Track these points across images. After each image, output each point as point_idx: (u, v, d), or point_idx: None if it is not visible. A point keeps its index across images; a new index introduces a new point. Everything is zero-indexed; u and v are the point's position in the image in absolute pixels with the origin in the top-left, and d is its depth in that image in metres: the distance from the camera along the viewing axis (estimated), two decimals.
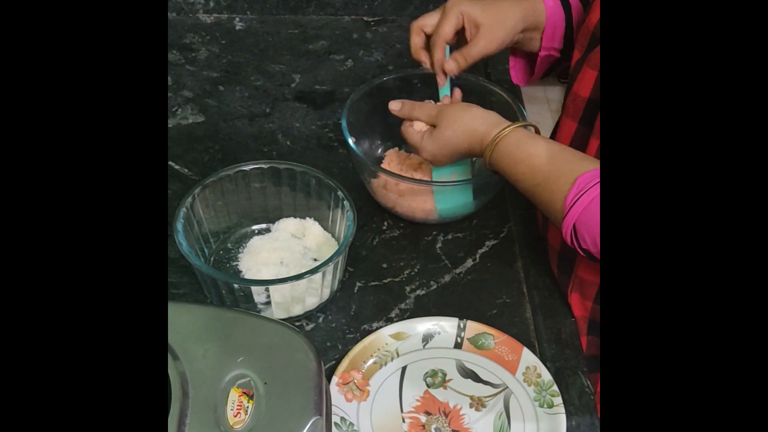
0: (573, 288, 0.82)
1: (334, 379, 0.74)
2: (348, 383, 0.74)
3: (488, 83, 0.94)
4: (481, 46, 0.83)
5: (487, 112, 0.79)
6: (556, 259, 0.85)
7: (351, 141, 0.87)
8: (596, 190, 0.65)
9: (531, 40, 0.87)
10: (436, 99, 0.88)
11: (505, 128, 0.75)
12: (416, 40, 0.87)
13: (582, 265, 0.80)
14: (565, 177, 0.68)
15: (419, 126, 0.84)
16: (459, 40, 0.87)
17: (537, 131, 0.78)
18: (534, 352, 0.78)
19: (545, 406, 0.73)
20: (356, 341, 0.78)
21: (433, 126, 0.82)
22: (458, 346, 0.79)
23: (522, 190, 0.75)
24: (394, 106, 0.85)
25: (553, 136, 0.86)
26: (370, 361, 0.77)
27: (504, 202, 0.97)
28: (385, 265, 0.88)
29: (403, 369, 0.77)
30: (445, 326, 0.80)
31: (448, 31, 0.83)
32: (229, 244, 0.87)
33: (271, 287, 0.75)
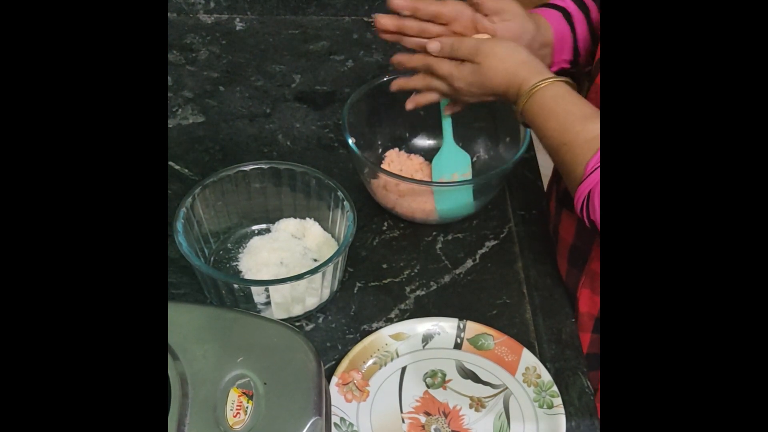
0: (584, 283, 0.82)
1: (334, 380, 0.74)
2: (348, 383, 0.74)
3: None
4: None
5: (532, 57, 0.76)
6: (566, 253, 0.84)
7: (351, 141, 0.87)
8: None
9: (543, 57, 0.84)
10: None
11: (546, 78, 0.72)
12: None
13: (597, 259, 0.79)
14: (591, 142, 0.66)
15: None
16: None
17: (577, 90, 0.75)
18: (534, 352, 0.78)
19: (545, 406, 0.73)
20: (356, 341, 0.78)
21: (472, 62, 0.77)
22: (458, 346, 0.79)
23: (547, 148, 0.73)
24: (434, 46, 0.78)
25: None
26: (370, 362, 0.77)
27: (504, 203, 0.97)
28: (385, 266, 0.88)
29: (403, 369, 0.77)
30: (444, 327, 0.80)
31: None
32: (229, 245, 0.87)
33: (271, 287, 0.75)
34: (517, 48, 0.76)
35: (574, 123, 0.69)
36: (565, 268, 0.86)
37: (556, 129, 0.70)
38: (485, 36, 0.79)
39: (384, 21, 0.81)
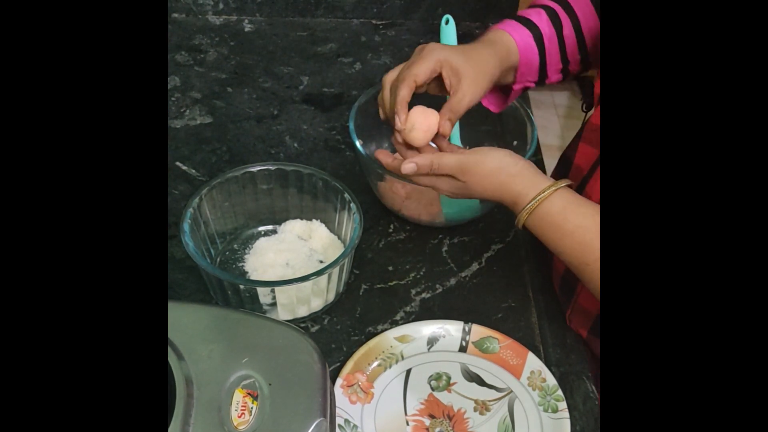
0: (571, 315, 0.82)
1: (339, 381, 0.74)
2: (352, 385, 0.74)
3: None
4: (467, 99, 0.75)
5: (518, 163, 0.70)
6: (558, 281, 0.84)
7: (358, 143, 0.87)
8: None
9: (505, 77, 0.82)
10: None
11: (544, 190, 0.67)
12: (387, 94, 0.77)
13: (583, 293, 0.78)
14: None
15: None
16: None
17: (570, 186, 0.70)
18: (539, 356, 0.78)
19: (550, 410, 0.73)
20: (361, 343, 0.78)
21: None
22: (463, 349, 0.79)
23: (565, 262, 0.69)
24: (409, 167, 0.73)
25: (570, 156, 0.84)
26: (375, 364, 0.77)
27: None
28: (390, 268, 0.88)
29: (408, 372, 0.77)
30: (450, 329, 0.80)
31: (422, 72, 0.74)
32: (235, 245, 0.87)
33: (277, 288, 0.76)
34: (503, 158, 0.71)
35: (593, 241, 0.64)
36: (557, 292, 0.85)
37: (574, 248, 0.66)
38: (436, 119, 0.75)
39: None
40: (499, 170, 0.70)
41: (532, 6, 0.85)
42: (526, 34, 0.81)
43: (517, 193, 0.69)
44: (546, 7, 0.83)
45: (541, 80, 0.86)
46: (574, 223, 0.66)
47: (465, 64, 0.75)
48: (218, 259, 0.86)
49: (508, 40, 0.80)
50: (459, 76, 0.75)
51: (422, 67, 0.74)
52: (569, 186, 0.69)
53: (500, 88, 0.88)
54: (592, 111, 0.79)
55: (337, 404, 0.71)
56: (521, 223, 0.70)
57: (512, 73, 0.83)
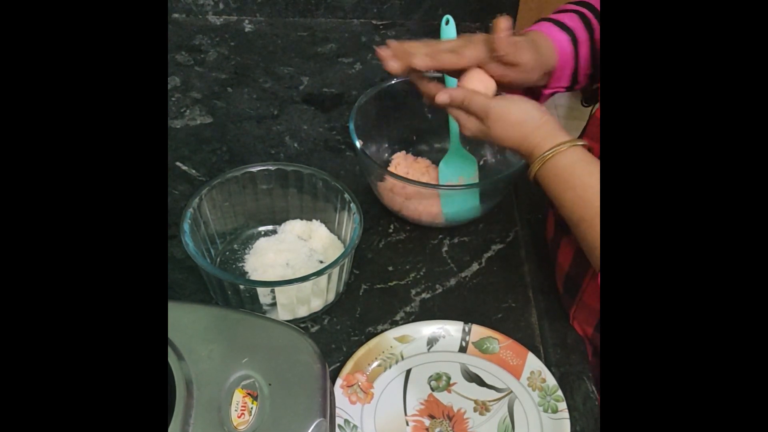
0: (576, 312, 0.82)
1: (339, 381, 0.74)
2: (352, 385, 0.74)
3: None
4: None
5: (542, 117, 0.71)
6: (563, 279, 0.84)
7: (358, 144, 0.87)
8: None
9: (539, 81, 0.81)
10: None
11: (559, 144, 0.69)
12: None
13: (589, 290, 0.78)
14: None
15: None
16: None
17: (589, 149, 0.70)
18: (539, 356, 0.78)
19: (549, 411, 0.73)
20: (361, 344, 0.78)
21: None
22: (463, 349, 0.79)
23: (564, 217, 0.70)
24: (443, 98, 0.75)
25: None
26: (375, 364, 0.77)
27: (511, 207, 0.97)
28: (390, 268, 0.88)
29: (408, 372, 0.77)
30: (450, 330, 0.80)
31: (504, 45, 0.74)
32: (235, 245, 0.87)
33: (277, 289, 0.76)
34: (530, 111, 0.72)
35: (593, 198, 0.65)
36: (561, 291, 0.85)
37: (575, 202, 0.67)
38: (492, 85, 0.76)
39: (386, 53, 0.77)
40: (524, 122, 0.72)
41: (562, 11, 0.84)
42: (564, 39, 0.80)
43: (534, 145, 0.70)
44: (577, 12, 0.83)
45: (572, 86, 0.85)
46: (578, 179, 0.67)
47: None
48: (218, 259, 0.86)
49: (549, 45, 0.80)
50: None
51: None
52: (588, 148, 0.70)
53: (530, 93, 0.86)
54: (596, 106, 0.79)
55: (337, 404, 0.71)
56: (533, 173, 0.71)
57: (546, 78, 0.82)
